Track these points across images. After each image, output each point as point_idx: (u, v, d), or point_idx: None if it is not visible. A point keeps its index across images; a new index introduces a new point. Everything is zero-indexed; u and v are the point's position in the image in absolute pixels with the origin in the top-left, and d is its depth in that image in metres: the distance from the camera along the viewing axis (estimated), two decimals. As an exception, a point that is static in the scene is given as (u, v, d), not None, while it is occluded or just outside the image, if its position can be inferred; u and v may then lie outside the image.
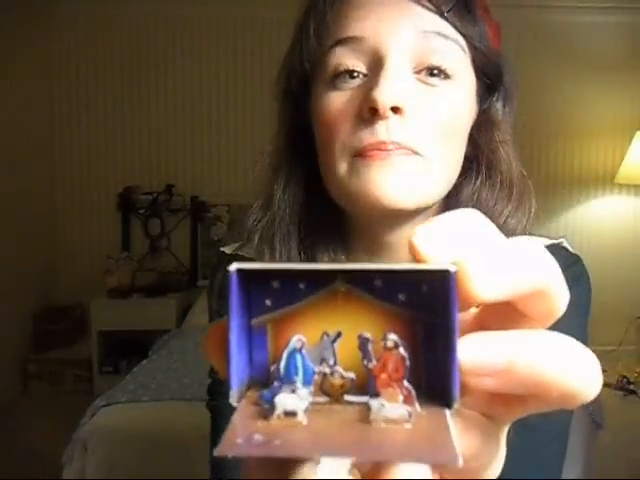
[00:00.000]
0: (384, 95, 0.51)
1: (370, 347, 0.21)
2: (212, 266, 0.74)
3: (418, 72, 0.55)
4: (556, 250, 0.63)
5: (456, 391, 0.20)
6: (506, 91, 0.63)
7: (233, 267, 0.20)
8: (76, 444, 1.90)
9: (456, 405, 0.20)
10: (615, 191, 3.73)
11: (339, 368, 0.21)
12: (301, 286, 0.21)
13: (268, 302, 0.21)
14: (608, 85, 3.65)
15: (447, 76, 0.55)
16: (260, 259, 0.62)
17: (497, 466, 0.24)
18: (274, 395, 0.20)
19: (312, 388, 0.21)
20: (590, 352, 0.21)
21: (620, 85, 3.64)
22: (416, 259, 0.20)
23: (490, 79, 0.61)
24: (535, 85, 3.32)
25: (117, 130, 3.82)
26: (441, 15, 0.55)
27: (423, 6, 0.55)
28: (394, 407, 0.20)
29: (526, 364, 0.20)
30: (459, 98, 0.57)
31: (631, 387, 2.57)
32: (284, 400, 0.20)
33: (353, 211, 0.60)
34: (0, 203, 3.23)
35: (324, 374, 0.21)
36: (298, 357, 0.21)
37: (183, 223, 3.83)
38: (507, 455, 0.25)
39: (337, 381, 0.21)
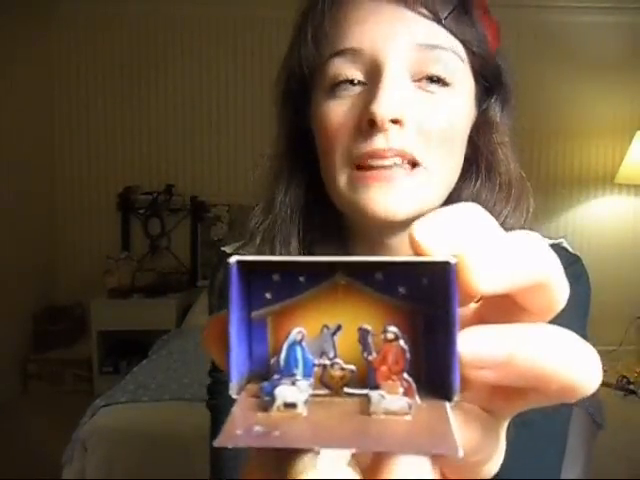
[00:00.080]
0: (383, 109, 0.52)
1: (370, 340, 0.21)
2: (213, 265, 0.75)
3: (418, 80, 0.55)
4: (556, 250, 0.63)
5: (456, 384, 0.20)
6: (505, 93, 0.63)
7: (233, 259, 0.20)
8: (76, 444, 1.90)
9: (456, 398, 0.20)
10: (615, 191, 3.74)
11: (339, 360, 0.21)
12: (301, 279, 0.21)
13: (268, 295, 0.21)
14: (608, 85, 3.65)
15: (446, 84, 0.56)
16: None
17: (496, 461, 0.24)
18: (274, 387, 0.20)
19: (312, 380, 0.21)
20: (590, 346, 0.21)
21: (620, 85, 3.64)
22: (416, 252, 0.21)
23: (488, 82, 0.61)
24: (535, 85, 3.32)
25: (117, 130, 3.82)
26: (439, 22, 0.55)
27: (420, 14, 0.55)
28: (394, 399, 0.20)
29: (526, 357, 0.20)
30: (458, 105, 0.57)
31: (631, 387, 2.57)
32: (284, 392, 0.20)
33: (353, 217, 0.60)
34: (0, 203, 3.23)
35: (324, 366, 0.21)
36: (298, 349, 0.21)
37: (183, 223, 3.83)
38: (506, 452, 0.25)
39: (337, 373, 0.21)
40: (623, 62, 3.61)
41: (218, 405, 0.66)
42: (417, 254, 0.20)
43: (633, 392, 2.54)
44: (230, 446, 0.18)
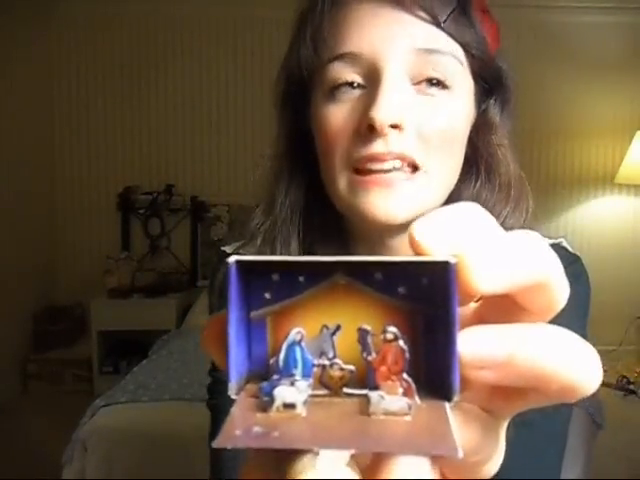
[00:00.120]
0: (382, 114, 0.52)
1: (370, 340, 0.21)
2: (213, 265, 0.75)
3: (417, 83, 0.55)
4: (555, 250, 0.63)
5: (456, 384, 0.20)
6: (504, 94, 0.63)
7: (232, 259, 0.20)
8: (76, 444, 1.90)
9: (456, 398, 0.20)
10: (615, 191, 3.73)
11: (338, 361, 0.21)
12: (301, 279, 0.21)
13: (267, 295, 0.21)
14: (608, 85, 3.65)
15: (445, 87, 0.56)
16: None
17: (496, 461, 0.24)
18: (273, 387, 0.20)
19: (311, 381, 0.21)
20: (590, 346, 0.21)
21: (620, 85, 3.64)
22: (416, 252, 0.20)
23: (488, 83, 0.61)
24: (535, 85, 3.32)
25: (117, 130, 3.82)
26: (437, 26, 0.55)
27: (419, 17, 0.55)
28: (394, 399, 0.20)
29: (526, 357, 0.20)
30: (458, 107, 0.57)
31: (631, 387, 2.57)
32: (283, 392, 0.20)
33: (353, 219, 0.60)
34: (0, 203, 3.23)
35: (323, 367, 0.21)
36: (297, 350, 0.21)
37: (183, 223, 3.83)
38: (506, 452, 0.25)
39: (336, 373, 0.21)
40: (623, 62, 3.61)
41: (218, 405, 0.66)
42: (417, 254, 0.20)
43: (633, 392, 2.54)
44: (229, 447, 0.18)
